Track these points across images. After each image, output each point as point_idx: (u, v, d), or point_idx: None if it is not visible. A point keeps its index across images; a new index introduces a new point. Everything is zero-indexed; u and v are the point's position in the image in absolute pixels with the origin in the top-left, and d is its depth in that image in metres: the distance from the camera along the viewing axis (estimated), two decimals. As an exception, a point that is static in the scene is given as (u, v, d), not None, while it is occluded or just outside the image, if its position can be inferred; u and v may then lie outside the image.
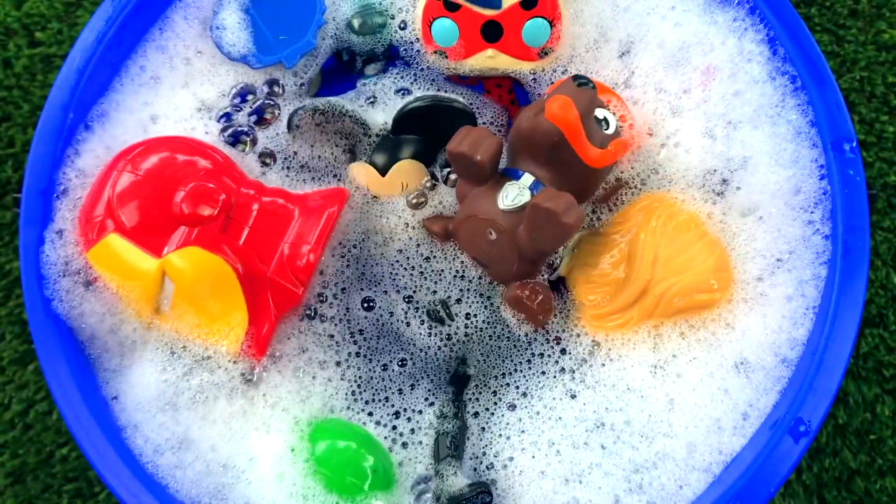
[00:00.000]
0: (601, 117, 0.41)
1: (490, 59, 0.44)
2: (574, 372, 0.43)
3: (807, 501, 0.52)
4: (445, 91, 0.46)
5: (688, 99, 0.43)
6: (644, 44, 0.44)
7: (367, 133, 0.44)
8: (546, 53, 0.44)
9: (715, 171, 0.43)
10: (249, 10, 0.45)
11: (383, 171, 0.44)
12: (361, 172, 0.44)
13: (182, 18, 0.46)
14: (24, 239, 0.43)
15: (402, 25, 0.45)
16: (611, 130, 0.41)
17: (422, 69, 0.46)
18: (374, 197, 0.45)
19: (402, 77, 0.46)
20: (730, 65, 0.43)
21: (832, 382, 0.40)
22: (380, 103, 0.45)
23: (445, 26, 0.43)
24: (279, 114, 0.45)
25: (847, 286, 0.41)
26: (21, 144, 0.58)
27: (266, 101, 0.45)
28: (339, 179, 0.45)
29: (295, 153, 0.45)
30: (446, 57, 0.44)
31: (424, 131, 0.44)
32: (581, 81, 0.39)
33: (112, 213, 0.42)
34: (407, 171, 0.44)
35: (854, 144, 0.42)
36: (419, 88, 0.46)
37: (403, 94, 0.45)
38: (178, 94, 0.45)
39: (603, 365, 0.42)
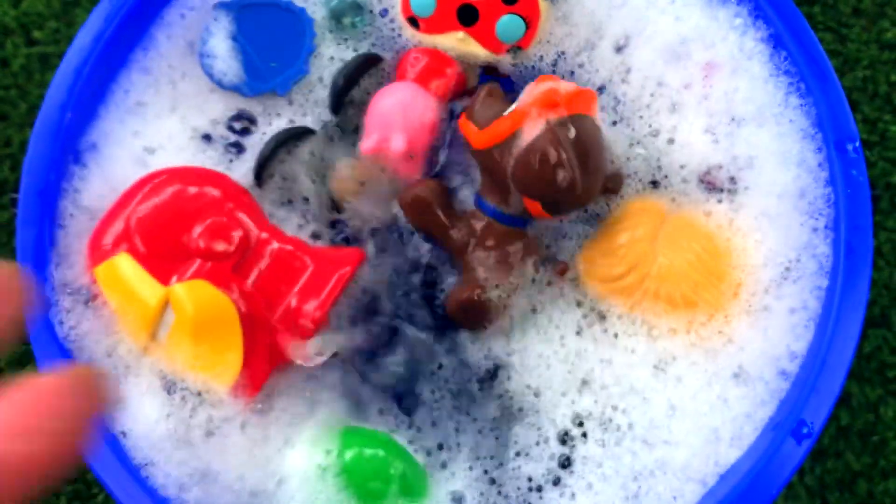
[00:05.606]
0: None
1: (461, 42, 0.43)
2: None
3: (809, 503, 0.52)
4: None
5: (689, 94, 0.43)
6: (643, 38, 0.44)
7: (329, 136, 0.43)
8: (514, 53, 0.44)
9: (720, 167, 0.42)
10: (238, 38, 0.44)
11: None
12: (348, 175, 0.43)
13: (166, 38, 0.45)
14: (21, 239, 0.43)
15: (382, 13, 0.45)
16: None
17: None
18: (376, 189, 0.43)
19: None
20: (731, 62, 0.43)
21: (835, 383, 0.40)
22: (299, 108, 0.44)
23: None
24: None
25: (850, 286, 0.40)
26: (18, 144, 0.57)
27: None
28: (357, 240, 0.43)
29: (306, 198, 0.44)
30: (418, 28, 0.44)
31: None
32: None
33: (127, 236, 0.41)
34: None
35: (857, 144, 0.42)
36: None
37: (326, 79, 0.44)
38: (168, 120, 0.44)
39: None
